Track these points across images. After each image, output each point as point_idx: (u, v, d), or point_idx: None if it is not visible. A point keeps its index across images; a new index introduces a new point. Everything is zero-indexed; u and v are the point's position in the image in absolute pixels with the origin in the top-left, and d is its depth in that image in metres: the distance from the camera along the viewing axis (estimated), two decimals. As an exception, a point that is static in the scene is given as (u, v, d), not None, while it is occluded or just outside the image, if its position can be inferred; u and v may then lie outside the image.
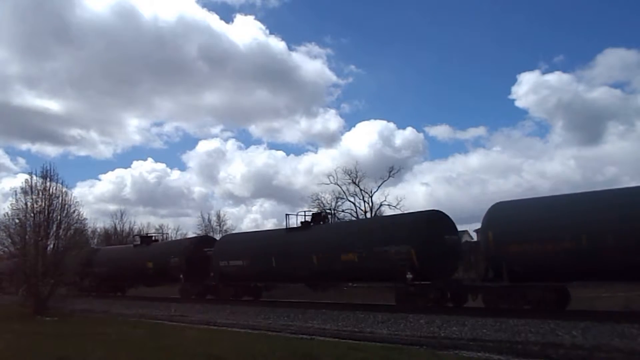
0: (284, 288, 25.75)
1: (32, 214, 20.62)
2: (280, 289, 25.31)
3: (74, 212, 21.78)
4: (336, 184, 40.63)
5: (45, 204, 20.70)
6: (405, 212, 19.44)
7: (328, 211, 40.46)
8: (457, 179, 69.71)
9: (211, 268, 23.77)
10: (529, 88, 79.46)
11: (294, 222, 21.70)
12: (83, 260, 32.68)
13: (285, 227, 21.99)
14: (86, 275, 32.17)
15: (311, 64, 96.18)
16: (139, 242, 30.69)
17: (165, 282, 28.80)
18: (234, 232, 44.89)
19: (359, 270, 17.98)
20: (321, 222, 21.46)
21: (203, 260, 24.21)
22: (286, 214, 22.19)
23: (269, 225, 65.94)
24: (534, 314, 13.00)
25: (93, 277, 31.44)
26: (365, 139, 79.81)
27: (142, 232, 58.77)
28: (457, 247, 17.50)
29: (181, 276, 25.21)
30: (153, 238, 31.70)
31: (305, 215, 21.68)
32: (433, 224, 17.07)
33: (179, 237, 52.77)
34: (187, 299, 24.46)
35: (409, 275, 16.08)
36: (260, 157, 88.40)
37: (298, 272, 20.02)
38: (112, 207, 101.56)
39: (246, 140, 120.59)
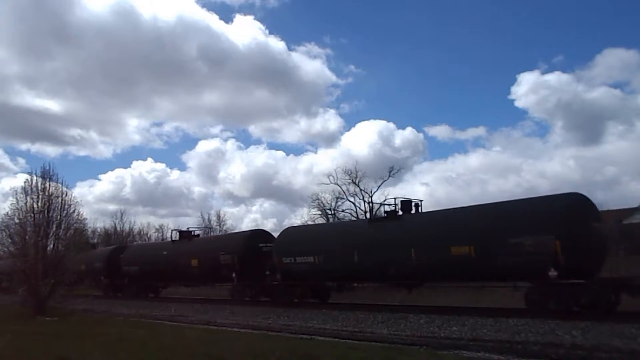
0: (360, 289, 23.47)
1: (32, 214, 20.61)
2: (353, 290, 23.06)
3: (74, 212, 21.74)
4: (336, 184, 40.61)
5: (45, 204, 20.69)
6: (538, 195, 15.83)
7: (328, 211, 40.84)
8: (456, 179, 69.60)
9: (268, 266, 21.23)
10: (528, 88, 79.42)
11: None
12: (106, 258, 31.37)
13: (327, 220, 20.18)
14: (110, 274, 30.82)
15: (311, 64, 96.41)
16: (177, 238, 28.00)
17: (213, 283, 26.27)
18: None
19: (477, 265, 14.79)
20: (411, 211, 18.32)
21: (259, 257, 21.92)
22: (369, 202, 19.52)
23: (269, 225, 66.00)
24: (534, 314, 13.00)
25: (120, 277, 29.89)
26: (364, 139, 79.76)
27: (142, 232, 59.32)
28: (605, 238, 14.37)
29: (233, 275, 22.29)
30: (193, 233, 28.56)
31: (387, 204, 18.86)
32: (579, 209, 14.02)
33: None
34: (239, 302, 22.00)
35: (553, 273, 13.19)
36: (260, 157, 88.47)
37: (389, 268, 17.09)
38: (112, 207, 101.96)
39: (246, 140, 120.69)
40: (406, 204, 18.42)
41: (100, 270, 31.59)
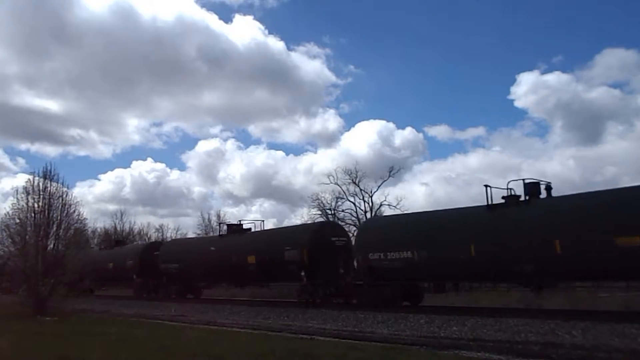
0: (476, 289, 20.66)
1: (33, 214, 20.62)
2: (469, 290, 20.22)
3: (74, 212, 21.76)
4: (336, 183, 40.64)
5: (45, 203, 20.70)
6: None
7: (328, 211, 40.83)
8: (456, 179, 69.52)
9: (342, 263, 18.96)
10: (528, 88, 79.14)
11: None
12: (139, 255, 28.82)
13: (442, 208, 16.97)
14: (143, 272, 28.26)
15: (310, 64, 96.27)
16: (225, 232, 25.32)
17: (276, 282, 23.48)
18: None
19: None
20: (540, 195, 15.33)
21: (331, 252, 19.16)
22: (485, 185, 15.86)
23: (268, 225, 65.74)
24: (534, 314, 13.01)
25: (156, 276, 27.35)
26: (364, 139, 79.61)
27: (142, 232, 59.29)
28: None
29: (303, 274, 19.33)
30: (242, 226, 25.48)
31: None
32: None
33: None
34: (306, 305, 19.25)
35: None
36: (260, 157, 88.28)
37: (521, 264, 13.99)
38: (112, 207, 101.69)
39: (245, 140, 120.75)
40: (533, 186, 15.43)
41: (132, 268, 29.08)
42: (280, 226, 30.37)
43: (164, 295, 26.49)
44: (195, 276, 25.56)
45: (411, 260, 16.63)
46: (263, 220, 24.88)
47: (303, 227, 24.70)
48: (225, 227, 25.86)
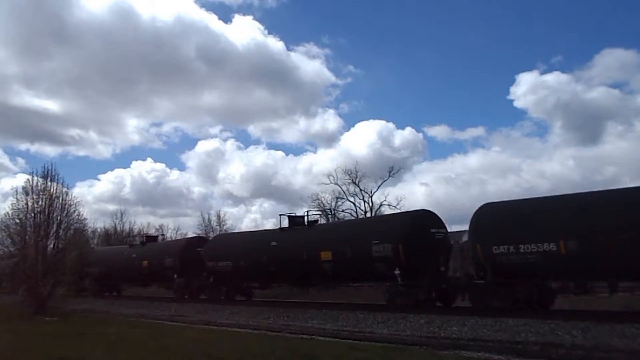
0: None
1: (32, 214, 20.63)
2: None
3: (74, 212, 21.77)
4: (336, 183, 40.52)
5: (45, 204, 20.70)
6: None
7: (328, 211, 40.82)
8: (456, 179, 69.40)
9: (442, 258, 16.66)
10: (527, 88, 78.98)
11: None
12: (180, 252, 25.43)
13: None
14: (185, 271, 25.13)
15: (310, 64, 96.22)
16: (303, 224, 21.51)
17: (357, 282, 21.02)
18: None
19: None
20: None
21: (431, 246, 16.64)
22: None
23: (268, 226, 65.74)
24: (534, 314, 13.00)
25: (200, 275, 24.60)
26: (364, 139, 79.33)
27: (142, 232, 59.13)
28: None
29: (397, 272, 16.57)
30: (306, 218, 22.03)
31: None
32: None
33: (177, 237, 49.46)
34: (396, 309, 15.99)
35: None
36: (259, 157, 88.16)
37: None
38: (112, 207, 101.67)
39: (245, 141, 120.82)
40: None
41: (172, 267, 26.12)
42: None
43: (212, 297, 23.86)
44: (250, 275, 22.53)
45: (555, 254, 13.55)
46: (299, 213, 21.93)
47: (397, 216, 21.02)
48: (286, 220, 21.98)
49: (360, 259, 17.58)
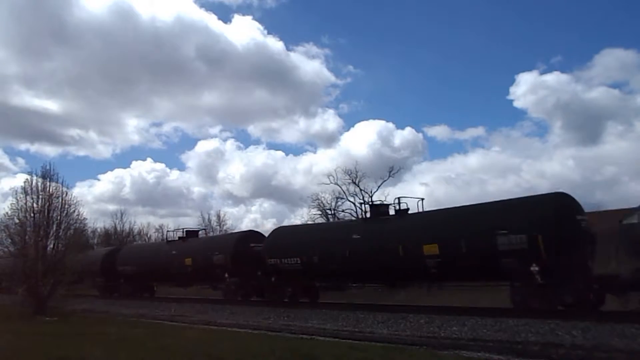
0: None
1: (32, 214, 20.62)
2: None
3: (74, 212, 21.75)
4: (336, 183, 40.42)
5: (45, 203, 20.70)
6: None
7: (328, 211, 40.78)
8: (456, 179, 69.18)
9: (592, 254, 13.69)
10: (527, 88, 78.83)
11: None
12: (231, 249, 22.18)
13: None
14: (238, 270, 22.09)
15: (309, 64, 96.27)
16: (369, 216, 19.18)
17: (474, 281, 17.83)
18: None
19: None
20: None
21: (577, 238, 13.43)
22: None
23: (269, 225, 65.79)
24: (534, 314, 12.99)
25: (256, 274, 21.70)
26: (364, 139, 79.03)
27: (142, 232, 59.13)
28: None
29: (536, 269, 13.23)
30: (395, 207, 18.52)
31: None
32: None
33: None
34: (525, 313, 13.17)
35: None
36: (259, 157, 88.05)
37: None
38: (112, 207, 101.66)
39: (245, 141, 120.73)
40: None
41: (223, 265, 22.94)
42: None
43: (273, 299, 20.79)
44: (325, 274, 19.77)
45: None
46: (422, 199, 18.17)
47: (532, 200, 15.28)
48: (368, 209, 19.48)
49: (479, 254, 14.50)
